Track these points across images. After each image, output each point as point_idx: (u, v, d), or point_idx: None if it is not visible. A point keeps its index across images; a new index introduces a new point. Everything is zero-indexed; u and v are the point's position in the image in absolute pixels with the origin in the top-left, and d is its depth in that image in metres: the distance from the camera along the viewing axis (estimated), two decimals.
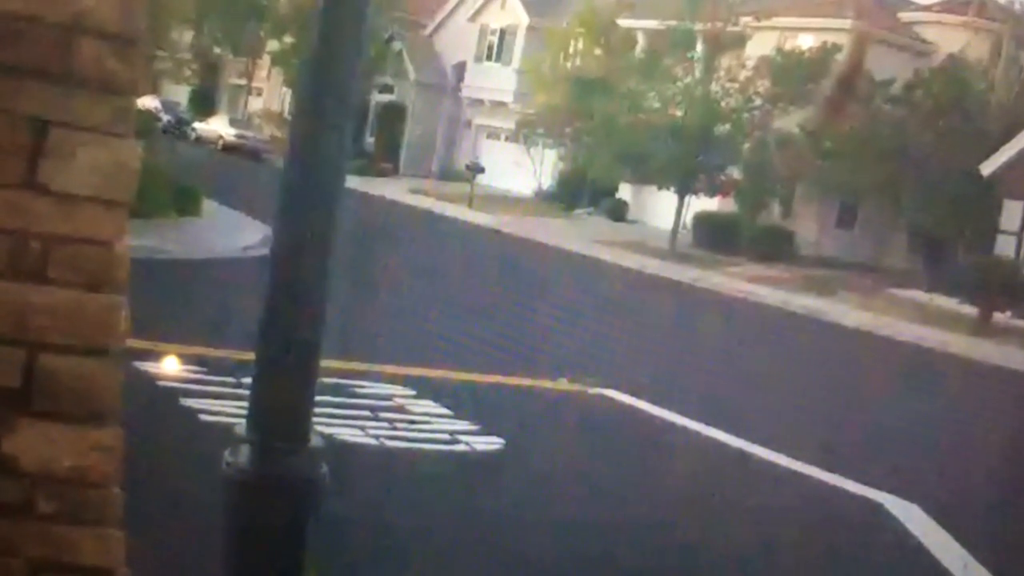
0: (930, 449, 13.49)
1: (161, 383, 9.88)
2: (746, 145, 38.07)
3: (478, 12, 54.02)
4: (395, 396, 11.03)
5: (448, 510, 8.18)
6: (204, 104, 60.06)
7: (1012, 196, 32.00)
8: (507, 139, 50.64)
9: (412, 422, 10.23)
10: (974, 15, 40.85)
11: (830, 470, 10.77)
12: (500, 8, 53.12)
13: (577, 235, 37.50)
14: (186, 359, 10.62)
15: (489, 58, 53.54)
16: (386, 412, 10.38)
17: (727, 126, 37.74)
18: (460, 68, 54.60)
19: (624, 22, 45.59)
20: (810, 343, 23.98)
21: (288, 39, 51.96)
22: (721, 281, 31.67)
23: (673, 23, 38.89)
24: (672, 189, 37.99)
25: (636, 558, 7.81)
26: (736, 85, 38.28)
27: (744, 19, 38.94)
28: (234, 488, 3.41)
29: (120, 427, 2.55)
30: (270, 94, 59.92)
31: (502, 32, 53.03)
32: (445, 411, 10.76)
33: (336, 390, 10.05)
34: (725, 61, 38.72)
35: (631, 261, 33.28)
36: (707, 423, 12.02)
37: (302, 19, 46.21)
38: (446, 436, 9.96)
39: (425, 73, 54.82)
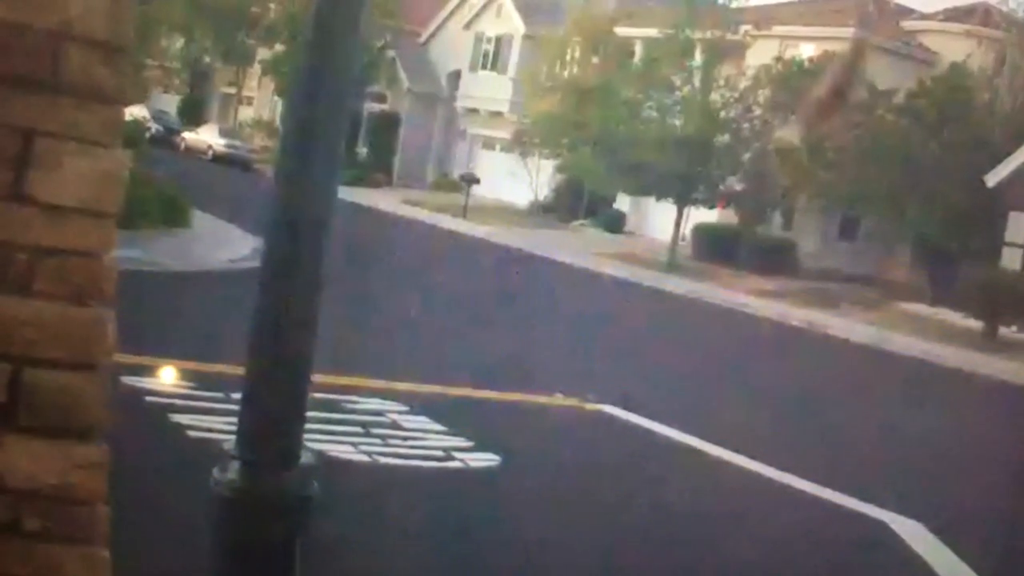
0: (934, 466, 13.38)
1: (149, 398, 9.78)
2: (746, 155, 37.99)
3: (473, 20, 53.95)
4: (388, 412, 10.93)
5: (442, 528, 8.10)
6: (193, 113, 59.92)
7: (1018, 207, 31.80)
8: (503, 149, 50.59)
9: (405, 438, 10.14)
10: (978, 24, 40.67)
11: (832, 487, 10.70)
12: (496, 16, 53.07)
13: (574, 247, 37.42)
14: (175, 374, 10.53)
15: (484, 67, 53.45)
16: (379, 428, 10.30)
17: (727, 136, 37.67)
18: (455, 77, 54.55)
19: (622, 30, 45.59)
20: (812, 358, 23.87)
21: (279, 47, 51.86)
22: (720, 294, 31.60)
23: (672, 31, 38.88)
24: (671, 200, 37.93)
25: None
26: (736, 94, 38.25)
27: (744, 27, 38.83)
28: (223, 505, 3.36)
29: (107, 443, 2.51)
30: (261, 103, 59.77)
31: (498, 40, 52.95)
32: (439, 427, 10.68)
33: (328, 406, 9.95)
34: (724, 70, 38.67)
35: (628, 274, 33.19)
36: (707, 439, 11.94)
37: (293, 27, 46.19)
38: (440, 453, 9.88)
39: (419, 82, 54.73)
